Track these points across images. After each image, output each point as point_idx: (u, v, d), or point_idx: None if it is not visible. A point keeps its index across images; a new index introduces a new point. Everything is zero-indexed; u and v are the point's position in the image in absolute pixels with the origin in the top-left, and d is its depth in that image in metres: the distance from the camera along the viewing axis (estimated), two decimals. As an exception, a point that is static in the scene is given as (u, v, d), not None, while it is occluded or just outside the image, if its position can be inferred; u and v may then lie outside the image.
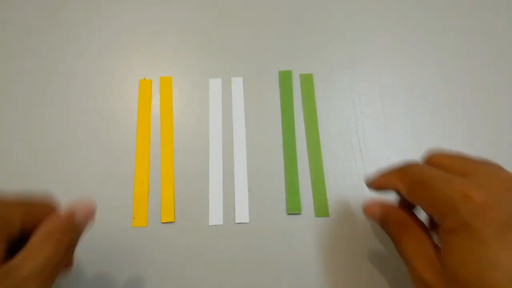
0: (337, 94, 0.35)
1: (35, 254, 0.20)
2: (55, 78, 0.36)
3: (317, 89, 0.35)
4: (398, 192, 0.23)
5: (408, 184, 0.22)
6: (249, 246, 0.30)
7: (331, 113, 0.34)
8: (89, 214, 0.23)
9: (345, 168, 0.32)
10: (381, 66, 0.36)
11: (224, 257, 0.29)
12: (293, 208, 0.31)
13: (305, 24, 0.37)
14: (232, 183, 0.32)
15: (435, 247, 0.21)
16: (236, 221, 0.30)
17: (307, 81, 0.35)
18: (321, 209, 0.31)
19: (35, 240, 0.20)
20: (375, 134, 0.33)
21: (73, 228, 0.22)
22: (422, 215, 0.23)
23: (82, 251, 0.30)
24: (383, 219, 0.24)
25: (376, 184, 0.24)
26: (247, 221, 0.30)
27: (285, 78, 0.35)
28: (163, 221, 0.31)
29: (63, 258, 0.21)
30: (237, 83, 0.35)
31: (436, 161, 0.22)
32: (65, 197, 0.32)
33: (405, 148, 0.32)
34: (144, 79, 0.36)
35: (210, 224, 0.30)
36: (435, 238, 0.22)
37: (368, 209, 0.25)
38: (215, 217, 0.31)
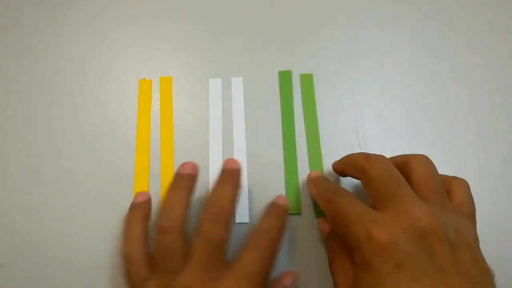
0: (337, 94, 0.35)
1: None
2: (54, 78, 0.36)
3: (317, 89, 0.35)
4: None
5: (326, 208, 0.26)
6: (249, 246, 0.30)
7: (331, 113, 0.34)
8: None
9: (345, 168, 0.32)
10: (381, 66, 0.36)
11: (224, 257, 0.29)
12: (293, 208, 0.31)
13: (305, 24, 0.37)
14: (232, 183, 0.32)
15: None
16: (236, 221, 0.30)
17: (307, 81, 0.35)
18: (321, 209, 0.31)
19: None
20: (375, 134, 0.33)
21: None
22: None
23: (82, 251, 0.30)
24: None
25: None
26: (247, 221, 0.30)
27: (285, 78, 0.35)
28: (163, 221, 0.31)
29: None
30: (237, 83, 0.35)
31: (377, 172, 0.24)
32: (65, 197, 0.32)
33: (405, 148, 0.32)
34: (144, 79, 0.36)
35: (210, 224, 0.30)
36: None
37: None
38: (215, 217, 0.30)
